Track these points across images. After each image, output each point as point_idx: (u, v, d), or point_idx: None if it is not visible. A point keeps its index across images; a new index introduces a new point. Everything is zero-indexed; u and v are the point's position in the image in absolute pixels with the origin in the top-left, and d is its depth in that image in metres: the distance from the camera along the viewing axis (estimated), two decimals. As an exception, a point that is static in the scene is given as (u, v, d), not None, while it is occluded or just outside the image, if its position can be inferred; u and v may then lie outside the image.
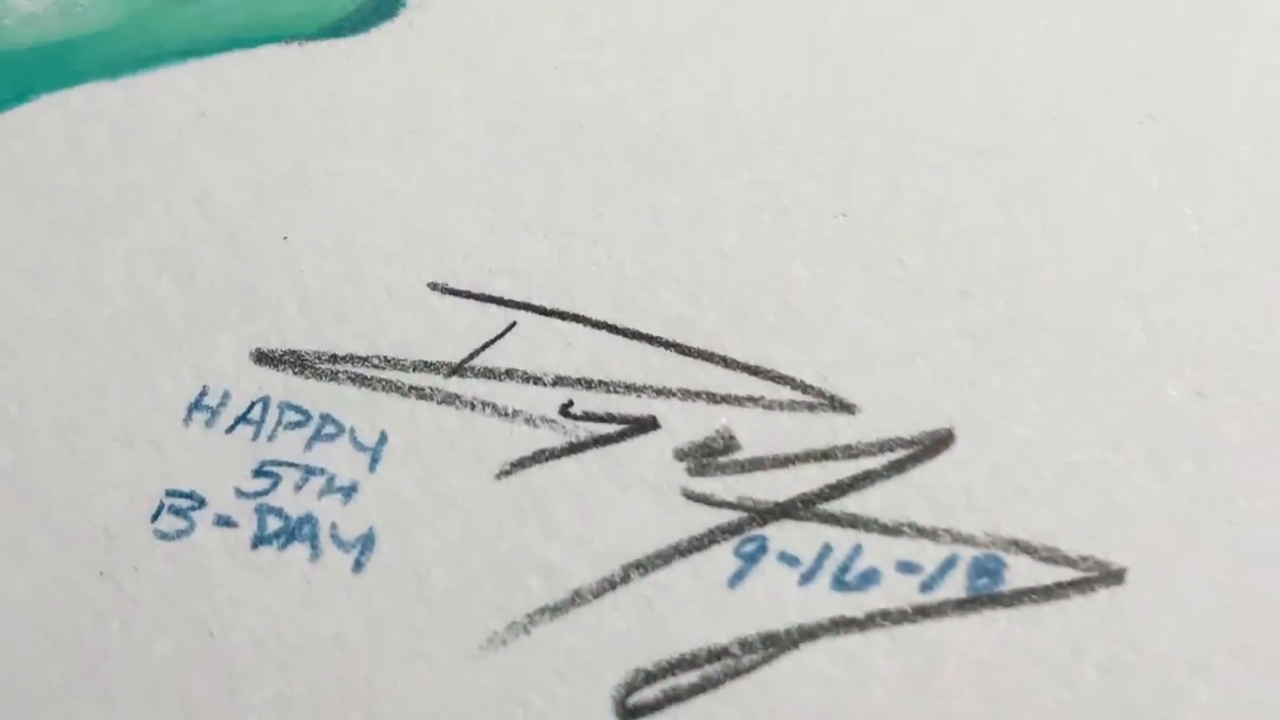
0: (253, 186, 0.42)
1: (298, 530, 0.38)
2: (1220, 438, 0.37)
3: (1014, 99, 0.42)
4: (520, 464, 0.38)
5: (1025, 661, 0.34)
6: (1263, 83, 0.42)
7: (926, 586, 0.36)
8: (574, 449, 0.38)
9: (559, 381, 0.39)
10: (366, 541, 0.37)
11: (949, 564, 0.36)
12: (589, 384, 0.39)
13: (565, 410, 0.39)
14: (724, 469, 0.37)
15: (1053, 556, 0.36)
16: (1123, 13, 0.43)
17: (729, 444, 0.38)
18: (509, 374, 0.39)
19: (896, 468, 0.37)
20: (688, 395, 0.38)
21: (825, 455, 0.37)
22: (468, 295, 0.40)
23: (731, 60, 0.43)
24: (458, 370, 0.39)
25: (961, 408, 0.38)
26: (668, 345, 0.39)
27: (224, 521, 0.38)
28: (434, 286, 0.40)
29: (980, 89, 0.42)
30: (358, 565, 0.37)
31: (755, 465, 0.37)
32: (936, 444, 0.37)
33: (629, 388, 0.39)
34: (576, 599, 0.36)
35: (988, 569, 0.36)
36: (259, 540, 0.38)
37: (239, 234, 0.42)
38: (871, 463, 0.37)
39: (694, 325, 0.39)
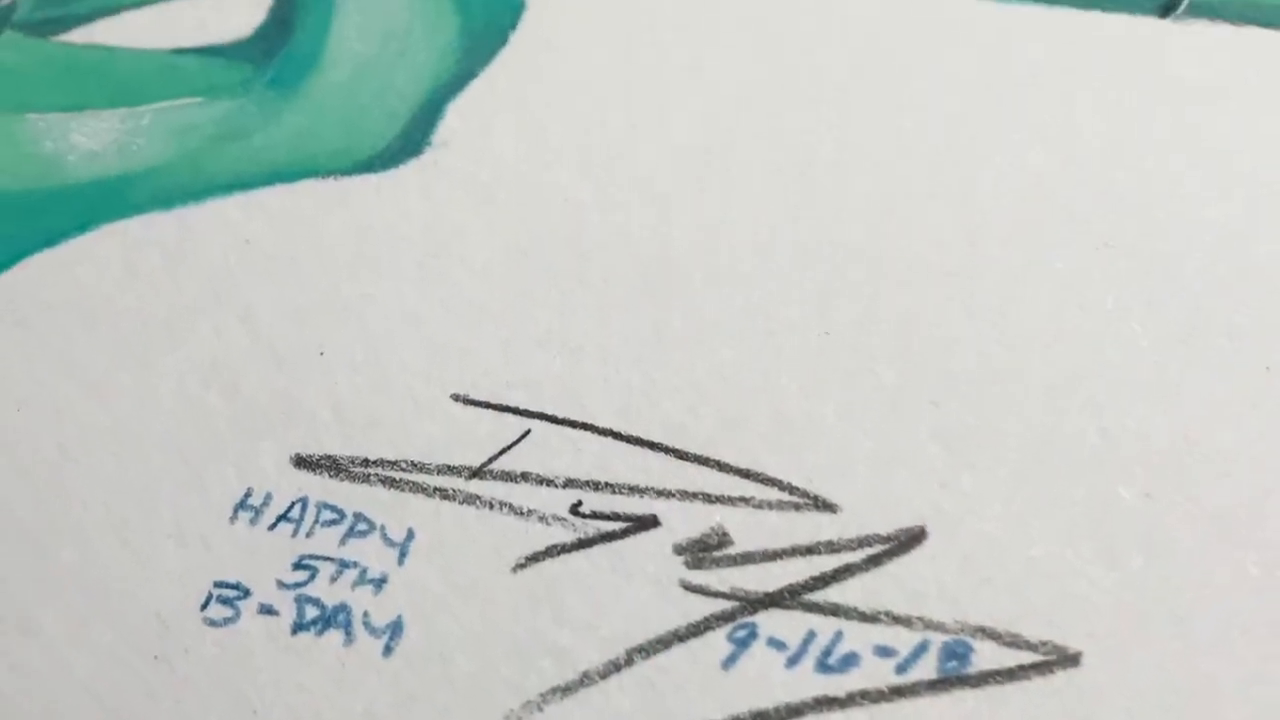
0: (292, 307, 0.42)
1: (333, 618, 0.38)
2: (1167, 535, 0.37)
3: (981, 229, 0.42)
4: (534, 558, 0.38)
5: (991, 737, 0.35)
6: (1205, 215, 0.42)
7: (901, 669, 0.36)
8: (583, 544, 0.38)
9: (569, 483, 0.39)
10: (395, 628, 0.38)
11: (921, 648, 0.36)
12: (596, 486, 0.39)
13: (575, 509, 0.39)
14: (718, 562, 0.38)
15: (1015, 641, 0.36)
16: (1081, 151, 0.44)
17: (723, 540, 0.38)
18: (524, 476, 0.40)
19: (874, 561, 0.38)
20: (686, 496, 0.39)
21: (809, 550, 0.38)
22: (486, 405, 0.41)
23: (725, 195, 0.43)
24: (478, 473, 0.40)
25: (933, 507, 0.38)
26: (668, 451, 0.40)
27: (266, 610, 0.38)
28: (456, 398, 0.41)
29: (950, 219, 0.42)
30: (387, 650, 0.37)
31: (746, 559, 0.38)
32: (910, 540, 0.38)
33: (632, 489, 0.39)
34: (585, 680, 0.37)
35: (956, 653, 0.36)
36: (298, 627, 0.38)
37: (280, 350, 0.42)
38: (851, 557, 0.38)
39: (692, 433, 0.40)
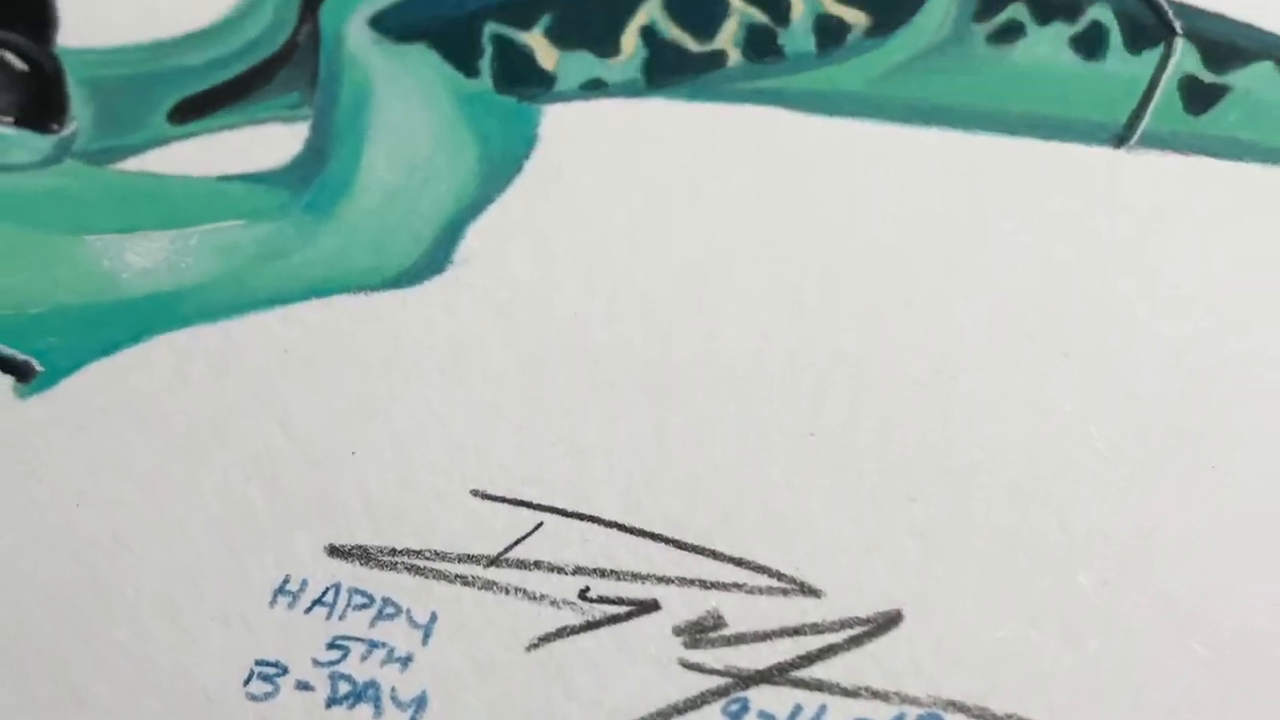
0: (327, 410, 0.42)
1: (363, 693, 0.40)
2: (1122, 619, 0.39)
3: (953, 340, 0.42)
4: (546, 639, 0.40)
5: (961, 804, 0.36)
6: (1158, 327, 0.41)
7: (880, 740, 0.37)
8: (590, 626, 0.40)
9: (578, 571, 0.40)
10: (420, 703, 0.39)
11: (898, 721, 0.38)
12: (602, 573, 0.40)
13: (583, 595, 0.40)
14: (713, 643, 0.39)
15: (984, 715, 0.38)
16: (1042, 271, 0.41)
17: (718, 622, 0.40)
18: (536, 565, 0.41)
19: (855, 642, 0.39)
20: (684, 582, 0.40)
21: (796, 631, 0.39)
22: (503, 500, 0.41)
23: (721, 308, 0.42)
24: (494, 562, 0.41)
25: (909, 593, 0.39)
26: (668, 541, 0.40)
27: (303, 686, 0.40)
28: (475, 493, 0.41)
29: (925, 331, 0.42)
30: (412, 722, 0.39)
31: (739, 640, 0.39)
32: (888, 622, 0.39)
33: (635, 576, 0.40)
34: (593, 751, 0.38)
35: (930, 726, 0.38)
36: (332, 701, 0.40)
37: (315, 449, 0.42)
38: (835, 638, 0.39)
39: (690, 525, 0.41)
